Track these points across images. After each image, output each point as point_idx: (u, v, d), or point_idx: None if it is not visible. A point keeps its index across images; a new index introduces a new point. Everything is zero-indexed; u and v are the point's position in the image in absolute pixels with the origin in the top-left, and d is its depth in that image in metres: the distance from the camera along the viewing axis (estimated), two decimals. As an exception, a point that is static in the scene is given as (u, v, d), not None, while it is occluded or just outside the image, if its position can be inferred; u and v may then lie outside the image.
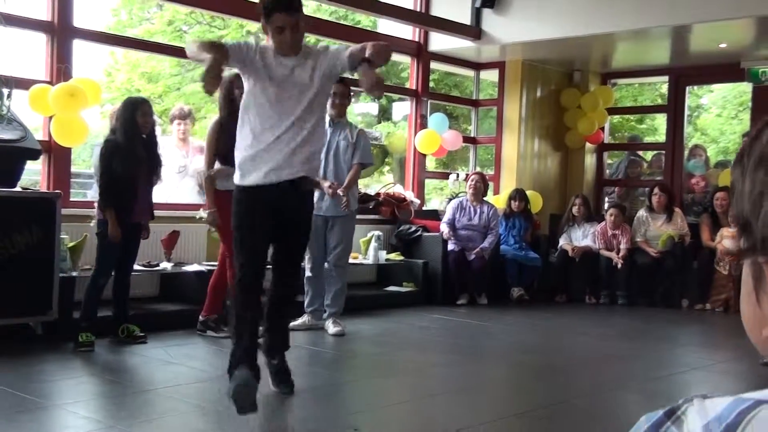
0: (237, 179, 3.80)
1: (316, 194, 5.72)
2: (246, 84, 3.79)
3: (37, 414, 3.61)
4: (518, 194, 8.24)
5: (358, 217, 6.29)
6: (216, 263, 5.59)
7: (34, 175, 6.62)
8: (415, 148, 8.49)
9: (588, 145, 9.76)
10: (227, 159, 5.22)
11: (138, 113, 5.04)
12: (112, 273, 5.13)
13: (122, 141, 5.02)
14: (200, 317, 5.45)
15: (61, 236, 5.17)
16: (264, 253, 3.83)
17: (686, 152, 9.47)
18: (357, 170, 5.92)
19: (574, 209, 8.35)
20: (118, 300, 5.16)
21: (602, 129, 9.75)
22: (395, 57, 9.81)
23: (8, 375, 4.15)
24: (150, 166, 5.18)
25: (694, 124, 15.76)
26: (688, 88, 9.68)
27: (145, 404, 3.87)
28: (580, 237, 8.25)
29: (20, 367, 4.39)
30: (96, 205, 5.08)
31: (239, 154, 3.78)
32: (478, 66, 9.33)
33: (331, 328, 5.78)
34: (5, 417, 3.48)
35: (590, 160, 9.96)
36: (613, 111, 10.24)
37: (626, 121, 14.90)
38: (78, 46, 5.99)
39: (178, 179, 6.75)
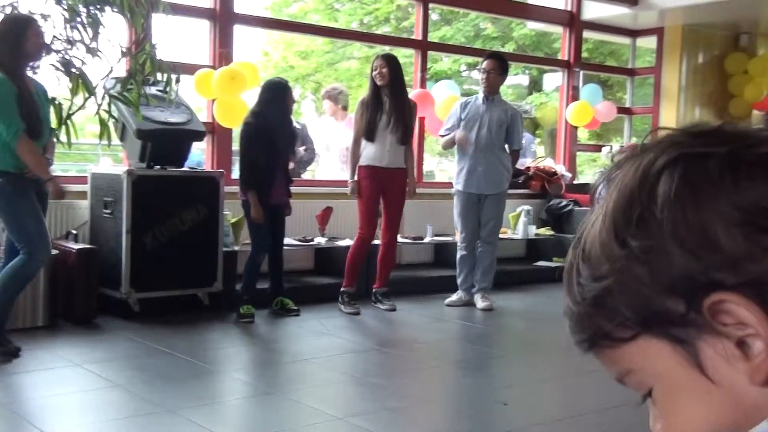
0: None
1: (465, 171, 5.77)
2: None
3: (206, 379, 3.89)
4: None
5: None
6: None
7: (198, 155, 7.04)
8: (566, 121, 8.31)
9: (755, 112, 9.16)
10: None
11: (289, 97, 5.17)
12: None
13: (272, 125, 5.13)
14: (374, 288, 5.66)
15: (224, 213, 5.49)
16: None
17: None
18: (517, 157, 6.07)
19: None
20: (274, 275, 5.40)
21: (771, 95, 9.12)
22: (546, 27, 9.59)
23: (180, 343, 4.49)
24: (287, 148, 5.30)
25: None
26: None
27: (302, 373, 4.07)
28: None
29: (191, 336, 4.73)
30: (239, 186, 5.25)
31: None
32: (634, 33, 8.95)
33: (479, 302, 5.81)
34: (179, 381, 3.78)
35: (757, 129, 9.35)
36: (785, 75, 9.52)
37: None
38: (238, 30, 6.29)
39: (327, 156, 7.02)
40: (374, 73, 5.42)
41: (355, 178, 5.53)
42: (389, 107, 5.42)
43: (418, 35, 7.35)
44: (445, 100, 6.96)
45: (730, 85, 8.96)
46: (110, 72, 4.84)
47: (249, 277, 5.25)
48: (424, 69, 7.31)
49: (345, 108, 6.98)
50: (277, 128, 5.15)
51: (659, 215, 0.52)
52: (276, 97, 5.19)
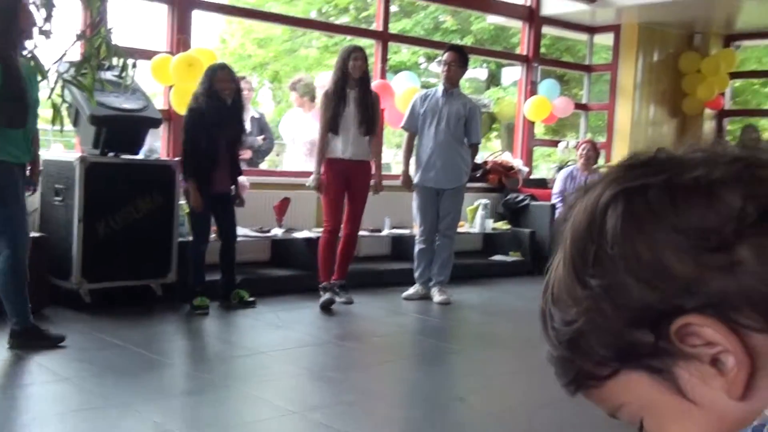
0: None
1: (424, 165, 5.77)
2: None
3: (158, 372, 3.82)
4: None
5: (464, 184, 6.28)
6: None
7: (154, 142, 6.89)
8: (524, 115, 8.35)
9: (707, 111, 9.34)
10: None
11: (215, 79, 5.04)
12: (211, 237, 5.25)
13: (204, 109, 5.01)
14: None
15: (180, 202, 5.39)
16: None
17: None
18: (476, 151, 6.12)
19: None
20: (225, 268, 5.29)
21: (723, 94, 9.31)
22: (506, 21, 9.61)
23: (133, 334, 4.39)
24: (232, 134, 5.17)
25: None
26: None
27: (258, 366, 4.02)
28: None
29: (143, 327, 4.63)
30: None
31: None
32: (592, 30, 9.04)
33: (437, 296, 5.82)
34: (132, 374, 3.70)
35: (709, 127, 9.53)
36: (736, 75, 9.74)
37: (749, 85, 14.12)
38: (196, 16, 6.18)
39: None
40: (352, 63, 5.31)
41: (321, 171, 5.44)
42: (356, 99, 5.37)
43: (379, 26, 7.31)
44: (405, 91, 6.93)
45: (684, 84, 9.11)
46: (64, 55, 4.71)
47: (196, 268, 5.14)
48: (384, 60, 7.27)
49: (312, 99, 6.90)
50: (215, 114, 5.01)
51: (610, 252, 0.53)
52: (210, 80, 5.07)
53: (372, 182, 5.58)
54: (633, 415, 0.57)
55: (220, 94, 5.03)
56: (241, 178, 5.43)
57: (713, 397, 0.53)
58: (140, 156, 5.29)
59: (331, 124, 5.35)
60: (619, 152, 8.73)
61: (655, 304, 0.52)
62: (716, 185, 0.53)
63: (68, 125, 5.07)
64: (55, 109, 4.54)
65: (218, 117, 5.03)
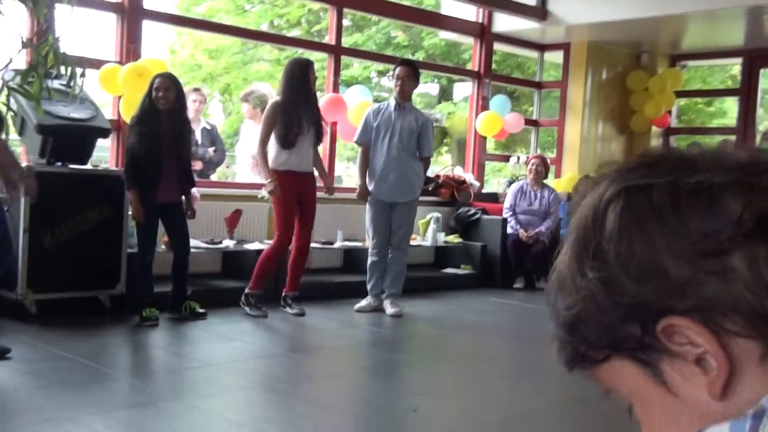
0: None
1: (377, 179, 5.80)
2: None
3: (107, 385, 3.74)
4: (585, 180, 8.15)
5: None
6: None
7: (102, 152, 6.78)
8: (475, 130, 8.44)
9: (654, 128, 9.56)
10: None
11: (152, 87, 4.97)
12: (156, 249, 5.17)
13: (141, 118, 4.97)
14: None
15: (129, 212, 5.30)
16: None
17: (758, 137, 9.21)
18: (428, 164, 6.18)
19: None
20: (176, 279, 5.21)
21: (669, 112, 9.54)
22: (458, 38, 9.73)
23: (80, 346, 4.29)
24: (176, 144, 5.07)
25: (766, 108, 15.24)
26: (762, 71, 9.37)
27: (207, 379, 3.97)
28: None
29: (91, 339, 4.54)
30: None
31: None
32: (542, 47, 9.19)
33: (389, 308, 5.82)
34: (78, 387, 3.61)
35: (656, 144, 9.75)
36: (681, 94, 9.99)
37: (693, 104, 14.51)
38: (146, 26, 6.11)
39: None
40: (312, 77, 5.39)
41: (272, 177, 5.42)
42: (307, 112, 5.40)
43: (331, 40, 7.32)
44: (357, 105, 6.95)
45: (632, 101, 9.32)
46: (9, 63, 4.61)
47: (142, 279, 5.04)
48: (337, 74, 7.28)
49: (263, 110, 6.86)
50: (154, 122, 4.94)
51: (607, 247, 0.55)
52: (149, 88, 5.01)
53: (323, 188, 5.67)
54: (624, 399, 0.60)
55: (155, 102, 4.97)
56: (193, 190, 5.37)
57: (696, 394, 0.54)
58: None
59: (286, 139, 5.35)
60: (569, 168, 8.87)
61: (647, 302, 0.54)
62: (717, 190, 0.53)
63: (14, 134, 4.97)
64: (0, 117, 4.44)
65: (157, 125, 4.96)
